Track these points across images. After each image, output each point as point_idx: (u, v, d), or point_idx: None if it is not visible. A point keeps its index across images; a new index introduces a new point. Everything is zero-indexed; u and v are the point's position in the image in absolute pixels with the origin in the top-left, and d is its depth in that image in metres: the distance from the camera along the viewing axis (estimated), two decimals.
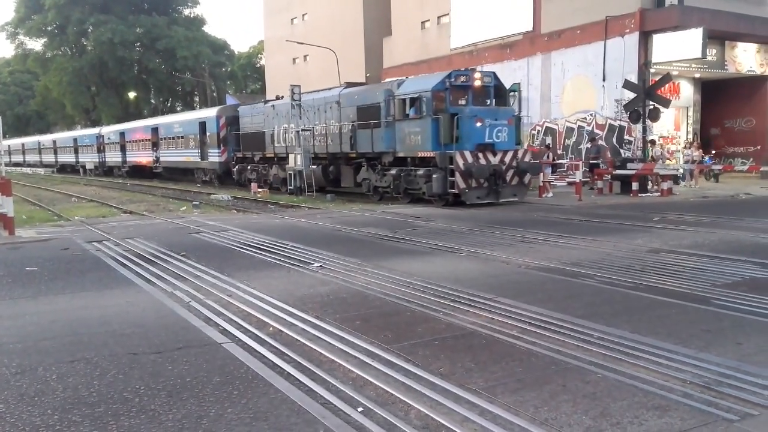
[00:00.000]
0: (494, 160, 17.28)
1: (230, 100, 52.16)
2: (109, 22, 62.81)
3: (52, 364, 4.91)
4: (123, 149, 44.24)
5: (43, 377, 4.62)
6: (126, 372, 4.71)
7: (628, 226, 12.62)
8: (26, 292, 7.59)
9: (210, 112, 32.61)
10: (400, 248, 10.48)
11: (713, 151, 28.64)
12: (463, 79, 17.80)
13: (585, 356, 4.89)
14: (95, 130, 51.57)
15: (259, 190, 25.30)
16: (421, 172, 17.99)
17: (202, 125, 31.96)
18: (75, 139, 54.52)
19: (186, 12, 72.84)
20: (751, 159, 29.37)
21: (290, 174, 23.61)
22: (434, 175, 17.39)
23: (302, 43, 41.36)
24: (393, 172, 19.12)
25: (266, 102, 27.69)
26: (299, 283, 7.78)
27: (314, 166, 22.77)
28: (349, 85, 22.52)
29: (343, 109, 21.42)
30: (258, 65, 79.25)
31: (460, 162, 16.75)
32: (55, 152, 59.22)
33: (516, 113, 18.64)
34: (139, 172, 41.94)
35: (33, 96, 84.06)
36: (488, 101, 18.26)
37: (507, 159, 17.47)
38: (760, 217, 13.12)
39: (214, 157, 30.89)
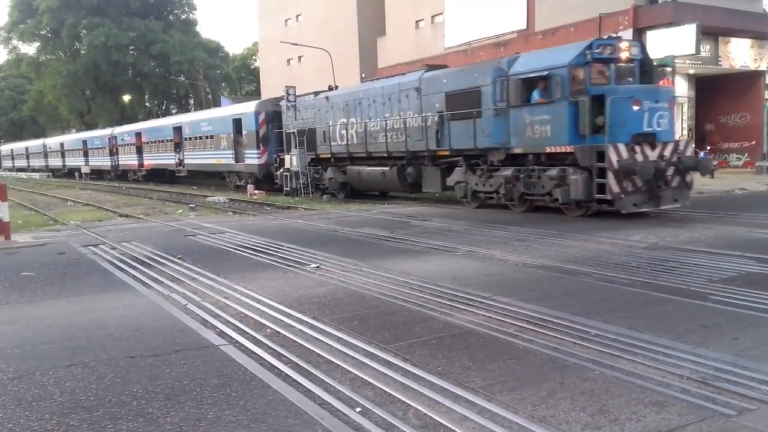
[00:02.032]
0: (653, 154, 13.19)
1: (225, 102, 51.95)
2: (102, 26, 62.65)
3: (50, 368, 4.90)
4: (139, 151, 40.95)
5: (41, 382, 4.61)
6: (123, 375, 4.70)
7: (624, 223, 12.64)
8: (22, 296, 7.57)
9: (247, 108, 28.25)
10: (397, 248, 10.48)
11: (708, 147, 28.73)
12: (608, 50, 13.84)
13: (582, 353, 4.89)
14: (107, 131, 48.23)
15: (255, 191, 25.26)
16: (552, 172, 14.00)
17: (237, 123, 28.30)
18: (84, 141, 51.54)
19: (181, 16, 72.71)
20: (746, 154, 29.49)
21: (286, 175, 23.57)
22: (572, 177, 13.43)
23: (296, 44, 41.33)
24: (506, 173, 15.19)
25: (317, 94, 23.34)
26: (296, 285, 7.77)
27: (386, 168, 19.38)
28: (431, 67, 18.80)
29: (425, 97, 17.67)
30: (252, 67, 79.22)
31: (614, 158, 12.73)
32: (63, 155, 56.22)
33: (674, 93, 14.52)
34: (157, 176, 39.19)
35: (27, 101, 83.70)
36: (631, 79, 14.25)
37: (667, 153, 13.36)
38: (755, 212, 13.15)
39: (252, 158, 26.99)
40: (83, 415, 4.00)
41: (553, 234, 11.31)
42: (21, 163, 69.09)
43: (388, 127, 19.01)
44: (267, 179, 26.16)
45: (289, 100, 22.86)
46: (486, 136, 15.53)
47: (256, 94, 63.29)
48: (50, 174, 59.43)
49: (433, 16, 37.26)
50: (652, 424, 3.68)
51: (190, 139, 33.82)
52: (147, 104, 77.84)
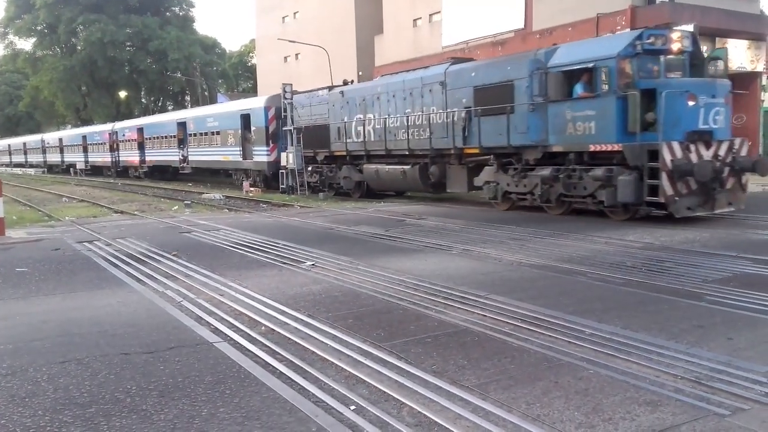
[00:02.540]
0: (707, 154, 12.26)
1: (222, 99, 51.85)
2: (99, 22, 62.48)
3: (43, 364, 4.88)
4: (141, 147, 39.73)
5: (34, 378, 4.60)
6: (117, 372, 4.69)
7: (619, 222, 12.66)
8: (17, 292, 7.55)
9: (256, 103, 27.04)
10: (393, 246, 10.47)
11: None
12: (659, 41, 12.77)
13: (577, 352, 4.90)
14: (107, 126, 46.84)
15: (251, 188, 25.22)
16: (597, 172, 12.88)
17: (245, 118, 27.23)
18: (84, 137, 50.15)
19: (179, 13, 72.56)
20: None
21: (282, 173, 23.53)
22: (620, 177, 12.44)
23: (294, 42, 41.25)
24: (544, 172, 14.12)
25: (331, 89, 22.26)
26: (291, 282, 7.77)
27: (406, 166, 18.29)
28: (456, 60, 17.90)
29: (450, 91, 16.58)
30: (249, 64, 79.06)
31: (668, 158, 11.80)
32: (62, 151, 54.79)
33: (731, 88, 13.31)
34: (160, 172, 38.38)
35: (23, 96, 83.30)
36: (680, 73, 13.08)
37: (722, 152, 12.44)
38: (751, 213, 13.17)
39: (261, 155, 25.94)
40: (77, 412, 3.99)
41: (548, 233, 11.32)
42: (18, 158, 68.11)
43: (409, 124, 17.95)
44: (276, 177, 25.21)
45: (286, 98, 22.79)
46: (520, 133, 14.51)
47: (252, 91, 63.24)
48: (45, 170, 59.05)
49: (430, 15, 37.23)
50: (646, 423, 3.68)
51: (195, 135, 32.65)
52: (143, 100, 77.69)
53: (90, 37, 62.52)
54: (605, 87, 12.72)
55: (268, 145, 25.39)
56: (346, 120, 20.60)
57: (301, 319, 6.03)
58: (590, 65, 13.01)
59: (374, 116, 19.36)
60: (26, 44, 73.15)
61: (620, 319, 5.76)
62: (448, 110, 16.60)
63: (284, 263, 9.05)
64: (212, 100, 56.80)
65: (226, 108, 31.06)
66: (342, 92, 21.17)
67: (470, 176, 16.65)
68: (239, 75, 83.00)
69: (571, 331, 5.42)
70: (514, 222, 13.08)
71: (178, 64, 65.07)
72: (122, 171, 43.46)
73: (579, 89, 13.37)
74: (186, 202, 21.10)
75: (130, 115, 62.89)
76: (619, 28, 25.79)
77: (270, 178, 25.91)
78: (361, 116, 19.93)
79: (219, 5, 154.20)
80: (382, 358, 4.89)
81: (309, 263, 8.95)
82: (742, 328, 5.46)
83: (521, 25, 30.55)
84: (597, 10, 26.45)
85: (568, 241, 10.40)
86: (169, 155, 36.02)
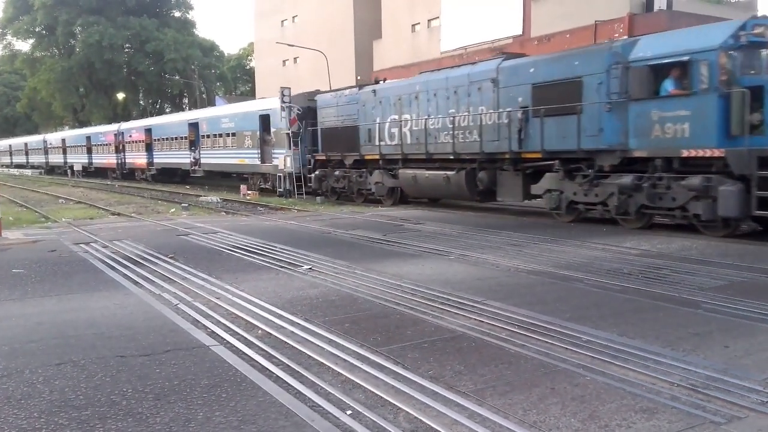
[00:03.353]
0: None
1: (220, 102, 51.78)
2: (97, 24, 62.48)
3: (39, 366, 4.87)
4: (149, 148, 38.16)
5: (30, 380, 4.58)
6: (113, 375, 4.68)
7: (617, 230, 12.68)
8: (13, 294, 7.53)
9: (276, 103, 24.85)
10: (390, 251, 10.47)
11: None
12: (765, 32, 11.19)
13: (573, 359, 4.90)
14: (113, 127, 45.01)
15: (248, 192, 25.21)
16: (693, 181, 11.31)
17: (264, 119, 25.61)
18: (88, 137, 48.28)
19: (177, 15, 72.62)
20: None
21: (280, 176, 23.51)
22: (722, 187, 10.91)
23: (292, 45, 41.33)
24: (623, 181, 12.43)
25: (361, 87, 20.77)
26: (288, 286, 7.76)
27: (450, 172, 16.55)
28: (510, 55, 16.26)
29: (504, 89, 15.03)
30: (248, 67, 79.14)
31: None
32: (64, 152, 53.15)
33: None
34: (170, 175, 36.85)
35: (20, 97, 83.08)
36: None
37: None
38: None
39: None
40: (72, 414, 3.97)
41: (545, 239, 11.33)
42: (19, 159, 66.64)
43: (455, 125, 16.27)
44: (298, 181, 23.96)
45: (284, 101, 22.77)
46: (591, 135, 12.97)
47: (251, 94, 63.22)
48: (42, 171, 58.70)
49: (429, 20, 37.34)
50: (642, 430, 3.69)
51: (208, 136, 31.01)
52: (141, 103, 77.67)
53: (88, 39, 62.49)
54: (704, 84, 11.16)
55: (289, 147, 23.84)
56: (378, 121, 19.07)
57: (298, 323, 6.02)
58: (685, 58, 11.44)
59: (412, 117, 17.85)
60: (24, 45, 73.22)
61: (617, 326, 5.76)
62: (502, 110, 15.01)
63: (281, 267, 9.04)
64: (210, 103, 56.76)
65: (244, 108, 28.94)
66: (374, 91, 19.56)
67: (526, 184, 14.90)
68: (237, 78, 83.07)
69: (567, 338, 5.42)
70: (511, 228, 13.09)
71: (176, 65, 65.05)
72: (128, 173, 41.97)
73: (669, 86, 11.83)
74: (183, 204, 21.08)
75: (128, 117, 62.74)
76: (617, 35, 25.89)
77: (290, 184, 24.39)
78: (396, 117, 18.39)
79: (218, 9, 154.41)
80: (378, 362, 4.89)
81: (306, 267, 8.95)
82: (739, 336, 5.47)
83: (519, 32, 30.66)
84: (595, 17, 26.56)
85: (565, 248, 10.42)
86: (180, 157, 34.31)
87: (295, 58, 48.84)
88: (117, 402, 4.17)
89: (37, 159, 61.14)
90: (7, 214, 16.95)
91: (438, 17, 36.02)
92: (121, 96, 69.94)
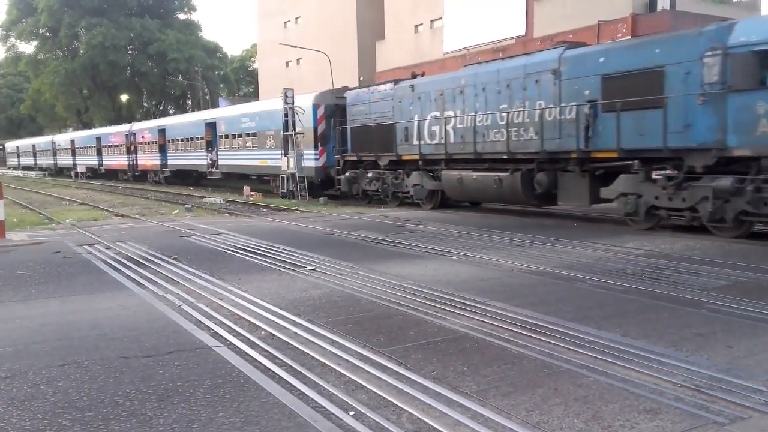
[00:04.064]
0: None
1: (223, 103, 51.80)
2: (100, 26, 62.61)
3: (43, 368, 4.88)
4: (162, 150, 36.65)
5: (34, 381, 4.60)
6: (117, 376, 4.68)
7: (620, 230, 12.67)
8: (17, 295, 7.55)
9: (302, 100, 23.41)
10: (393, 251, 10.47)
11: None
12: None
13: (576, 360, 4.90)
14: (124, 127, 43.61)
15: (252, 193, 25.22)
16: None
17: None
18: (98, 138, 46.85)
19: (181, 17, 72.78)
20: None
21: (283, 177, 23.51)
22: None
23: (295, 47, 41.35)
24: (720, 183, 11.06)
25: (396, 83, 19.18)
26: (291, 287, 7.76)
27: (503, 173, 15.13)
28: (571, 45, 14.71)
29: (566, 81, 13.63)
30: (251, 68, 79.24)
31: None
32: (73, 153, 51.85)
33: None
34: (183, 177, 35.43)
35: (24, 99, 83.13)
36: None
37: None
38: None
39: (308, 160, 22.98)
40: (76, 415, 3.98)
41: (548, 240, 11.32)
42: (27, 161, 65.52)
43: (508, 122, 14.86)
44: (325, 184, 22.87)
45: (287, 102, 22.73)
46: (675, 132, 11.60)
47: (254, 95, 63.30)
48: (46, 174, 58.57)
49: (432, 21, 37.34)
50: (645, 431, 3.68)
51: (227, 136, 29.46)
52: (145, 104, 77.81)
53: (91, 41, 62.62)
54: None
55: (316, 148, 22.47)
56: (417, 118, 17.74)
57: (301, 324, 6.02)
58: None
59: (456, 113, 16.44)
60: (28, 47, 73.42)
61: (620, 327, 5.75)
62: (565, 105, 13.64)
63: (284, 268, 9.05)
64: (213, 104, 56.85)
65: (266, 106, 27.04)
66: (412, 86, 18.18)
67: (594, 186, 13.35)
68: (241, 79, 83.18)
69: (570, 338, 5.42)
70: (514, 228, 13.08)
71: (179, 66, 65.14)
72: (140, 175, 40.56)
73: None
74: (186, 206, 21.12)
75: (131, 119, 62.80)
76: (620, 35, 25.87)
77: (318, 185, 23.07)
78: (438, 114, 17.00)
79: (221, 10, 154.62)
80: (381, 363, 4.89)
81: (309, 268, 8.95)
82: (742, 336, 5.46)
83: (522, 32, 30.63)
84: (598, 17, 26.50)
85: (568, 248, 10.40)
86: (196, 159, 32.78)
87: (298, 59, 48.88)
88: (120, 403, 4.17)
89: (45, 161, 60.11)
90: (12, 215, 16.99)
91: (441, 18, 36.01)
92: (124, 98, 70.07)
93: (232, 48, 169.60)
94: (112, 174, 45.40)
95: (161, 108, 77.29)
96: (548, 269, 8.57)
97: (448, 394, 4.25)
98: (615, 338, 5.41)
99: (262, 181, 27.99)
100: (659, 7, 26.50)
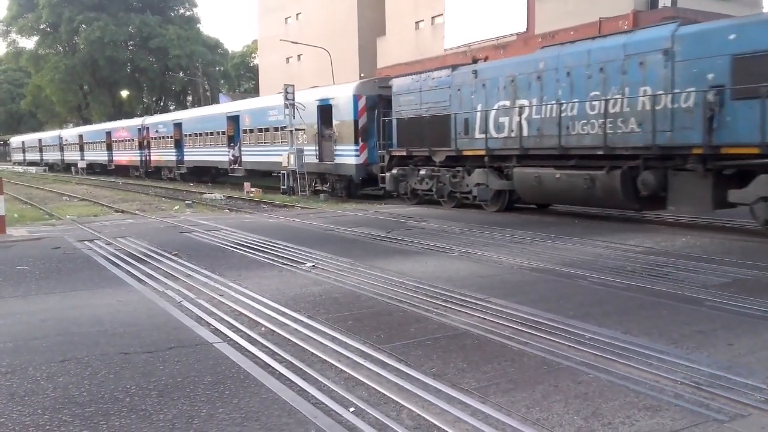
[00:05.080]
0: None
1: (223, 99, 51.72)
2: (98, 21, 62.55)
3: (43, 363, 4.88)
4: (178, 145, 34.88)
5: (34, 377, 4.60)
6: (117, 371, 4.69)
7: (620, 227, 12.66)
8: (17, 291, 7.55)
9: (340, 91, 21.79)
10: (393, 248, 10.47)
11: None
12: None
13: (577, 357, 4.89)
14: (137, 121, 42.11)
15: (252, 189, 25.20)
16: None
17: (324, 111, 22.37)
18: (108, 133, 45.34)
19: (182, 12, 72.71)
20: None
21: (283, 174, 23.47)
22: None
23: (296, 43, 41.31)
24: None
25: (454, 68, 17.14)
26: (291, 283, 7.76)
27: (596, 171, 12.98)
28: (684, 20, 12.61)
29: (681, 63, 11.70)
30: (252, 64, 79.22)
31: None
32: (82, 149, 50.50)
33: None
34: (200, 174, 33.85)
35: (25, 95, 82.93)
36: None
37: None
38: (749, 218, 13.17)
39: (348, 156, 21.05)
40: (76, 411, 3.98)
41: (549, 237, 11.31)
42: (33, 156, 64.13)
43: (606, 111, 12.80)
44: (366, 183, 21.17)
45: (287, 99, 22.65)
46: None
47: (254, 91, 63.27)
48: (47, 168, 58.24)
49: (433, 17, 37.30)
50: (645, 428, 3.68)
51: (251, 131, 27.38)
52: (145, 100, 77.80)
53: (90, 35, 62.57)
54: None
55: (356, 143, 20.61)
56: (480, 108, 15.79)
57: (301, 321, 6.02)
58: None
59: (532, 102, 14.47)
60: (29, 43, 73.42)
61: (620, 324, 5.75)
62: (674, 92, 11.76)
63: (284, 264, 9.04)
64: (214, 100, 56.82)
65: (298, 98, 24.41)
66: (475, 72, 16.18)
67: (718, 189, 11.35)
68: (241, 75, 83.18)
69: (571, 335, 5.42)
70: (514, 225, 13.07)
71: (180, 62, 65.11)
72: (153, 172, 38.88)
73: None
74: (187, 202, 21.13)
75: (131, 115, 62.77)
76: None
77: (356, 186, 21.54)
78: (507, 103, 15.09)
79: (222, 6, 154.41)
80: (381, 360, 4.89)
81: (309, 264, 8.95)
82: (743, 333, 5.46)
83: (524, 29, 30.59)
84: (599, 14, 26.47)
85: (568, 245, 10.40)
86: (216, 155, 30.77)
87: (298, 56, 48.83)
88: (121, 399, 4.18)
89: (52, 156, 58.51)
90: (12, 211, 17.00)
91: (442, 14, 35.98)
92: (124, 93, 70.05)
93: (233, 44, 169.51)
94: (122, 170, 44.07)
95: (161, 104, 77.28)
96: (549, 266, 8.57)
97: (449, 390, 4.25)
98: (615, 335, 5.41)
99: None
100: (660, 4, 26.44)
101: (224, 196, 24.11)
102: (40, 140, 62.96)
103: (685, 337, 5.38)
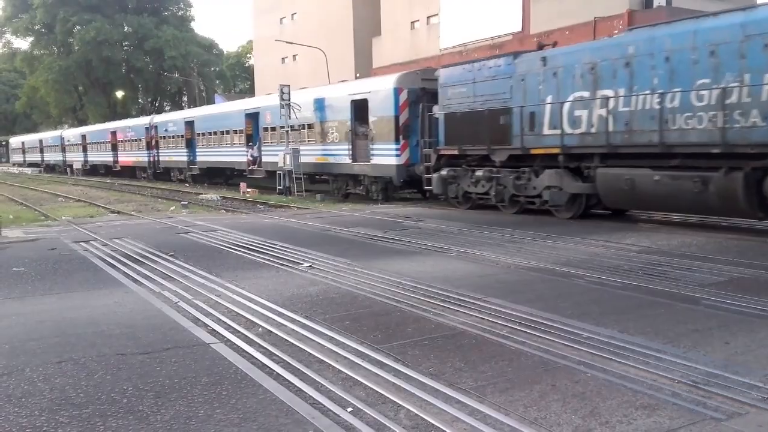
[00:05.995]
0: None
1: (219, 100, 51.60)
2: (93, 21, 62.40)
3: (39, 364, 4.87)
4: (190, 144, 32.97)
5: (30, 378, 4.58)
6: (114, 373, 4.67)
7: (617, 226, 12.68)
8: (13, 292, 7.52)
9: (379, 84, 19.87)
10: (390, 248, 10.47)
11: None
12: None
13: (574, 356, 4.90)
14: (144, 120, 40.30)
15: (248, 189, 25.16)
16: None
17: (359, 105, 20.31)
18: (113, 132, 43.30)
19: (176, 12, 72.58)
20: None
21: (279, 174, 23.44)
22: None
23: (291, 43, 41.27)
24: None
25: (516, 56, 15.15)
26: (288, 283, 7.76)
27: (708, 173, 11.09)
28: None
29: None
30: (247, 65, 79.18)
31: None
32: (85, 149, 48.63)
33: None
34: (213, 175, 32.07)
35: (19, 96, 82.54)
36: None
37: None
38: (747, 217, 13.20)
39: (387, 156, 19.14)
40: (73, 412, 3.97)
41: (545, 236, 11.32)
42: (33, 157, 62.34)
43: (722, 102, 10.85)
44: (409, 185, 19.61)
45: (283, 99, 22.63)
46: None
47: (250, 92, 63.22)
48: (42, 169, 57.85)
49: (428, 17, 37.30)
50: (642, 427, 3.68)
51: (274, 129, 25.18)
52: (140, 100, 77.66)
53: (84, 36, 62.40)
54: None
55: (397, 141, 18.70)
56: (550, 101, 13.87)
57: (298, 321, 6.02)
58: None
59: (617, 92, 12.56)
60: (24, 43, 73.23)
61: (617, 323, 5.76)
62: None
63: (281, 264, 9.04)
64: (209, 101, 56.70)
65: (329, 93, 22.87)
66: (544, 59, 14.15)
67: None
68: (236, 76, 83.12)
69: (568, 335, 5.42)
70: (511, 225, 13.07)
71: (175, 62, 64.98)
72: (162, 173, 37.00)
73: None
74: (183, 202, 21.08)
75: (126, 116, 62.59)
76: (616, 32, 25.86)
77: (395, 188, 19.81)
78: (586, 93, 13.18)
79: (217, 6, 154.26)
80: (379, 360, 4.88)
81: (306, 264, 8.94)
82: (739, 332, 5.47)
83: (519, 28, 30.62)
84: (594, 14, 26.52)
85: (565, 244, 10.41)
86: (232, 155, 28.76)
87: (294, 56, 48.78)
88: (118, 400, 4.17)
89: (53, 157, 56.61)
90: (7, 212, 16.96)
91: (437, 14, 35.99)
92: (119, 94, 69.88)
93: (228, 44, 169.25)
94: (129, 172, 42.10)
95: (157, 104, 77.15)
96: (546, 266, 8.58)
97: (446, 390, 4.25)
98: (612, 334, 5.42)
99: (316, 180, 24.30)
100: (655, 4, 26.50)
101: (220, 196, 24.07)
102: (40, 141, 61.28)
103: (682, 335, 5.39)
